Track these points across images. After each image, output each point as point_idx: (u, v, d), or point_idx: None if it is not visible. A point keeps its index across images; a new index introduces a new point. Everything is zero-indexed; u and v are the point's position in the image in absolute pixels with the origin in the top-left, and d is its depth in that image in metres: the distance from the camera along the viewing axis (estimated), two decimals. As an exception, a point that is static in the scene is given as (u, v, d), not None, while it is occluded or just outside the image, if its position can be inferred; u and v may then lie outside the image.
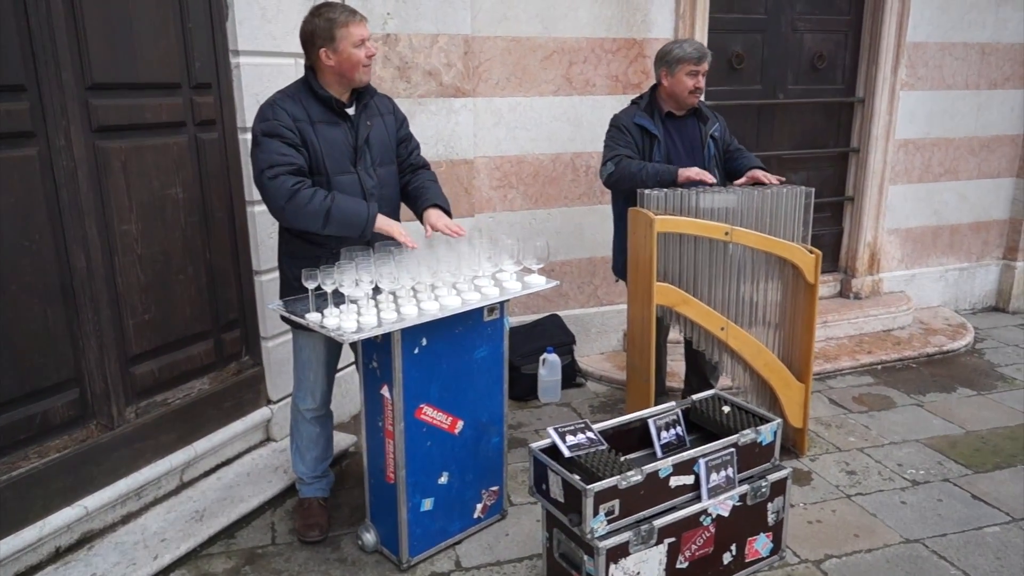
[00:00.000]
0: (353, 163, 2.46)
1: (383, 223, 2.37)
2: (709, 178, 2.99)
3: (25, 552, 2.33)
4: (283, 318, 2.42)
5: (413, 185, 2.66)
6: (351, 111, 2.47)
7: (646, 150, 3.16)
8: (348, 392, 3.47)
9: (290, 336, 3.19)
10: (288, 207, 2.29)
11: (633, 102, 3.29)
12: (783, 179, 3.09)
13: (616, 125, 3.21)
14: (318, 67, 2.40)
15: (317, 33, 2.35)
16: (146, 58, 2.61)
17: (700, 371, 3.49)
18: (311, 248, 2.44)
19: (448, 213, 2.61)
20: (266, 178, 2.30)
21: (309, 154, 2.38)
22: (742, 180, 3.11)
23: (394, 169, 2.62)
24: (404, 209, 2.71)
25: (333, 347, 2.59)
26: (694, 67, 3.04)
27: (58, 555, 2.44)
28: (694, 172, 2.98)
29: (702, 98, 3.24)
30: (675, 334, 3.31)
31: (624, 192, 3.12)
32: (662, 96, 3.17)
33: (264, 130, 2.33)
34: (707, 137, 3.19)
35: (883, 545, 2.65)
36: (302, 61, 3.07)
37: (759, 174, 3.07)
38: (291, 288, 2.50)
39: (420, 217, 2.60)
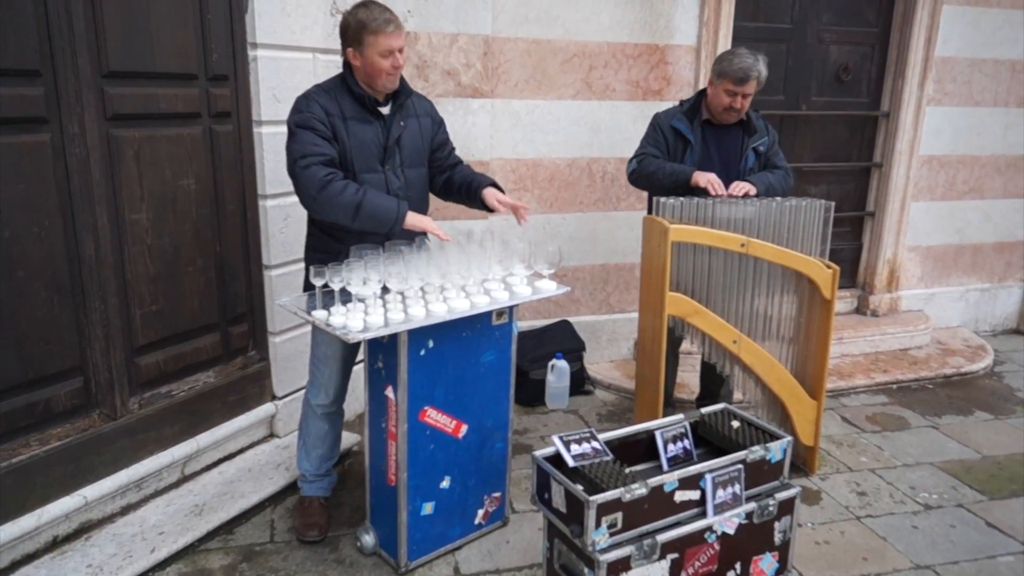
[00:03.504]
0: (381, 162, 2.46)
1: (414, 220, 2.35)
2: (720, 188, 2.91)
3: (22, 540, 2.33)
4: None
5: (457, 177, 2.67)
6: (386, 110, 2.46)
7: (679, 154, 3.10)
8: (354, 391, 3.42)
9: (297, 332, 3.19)
10: (320, 197, 2.29)
11: (681, 102, 3.23)
12: (751, 190, 2.95)
13: (653, 123, 3.17)
14: (351, 64, 2.41)
15: (349, 31, 2.35)
16: (163, 48, 2.60)
17: (710, 388, 3.44)
18: (334, 243, 2.43)
19: (502, 192, 2.63)
20: (299, 167, 2.30)
21: (338, 150, 2.39)
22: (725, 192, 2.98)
23: (424, 172, 2.60)
24: (439, 208, 2.72)
25: (351, 344, 2.56)
26: (733, 87, 2.93)
27: (55, 544, 2.43)
28: (709, 178, 2.91)
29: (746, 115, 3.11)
30: (687, 345, 3.26)
31: (650, 192, 3.08)
32: (706, 102, 3.11)
33: (298, 122, 2.35)
34: (748, 149, 3.10)
35: (892, 570, 2.59)
36: (320, 56, 3.09)
37: (733, 186, 2.95)
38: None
39: (479, 199, 2.59)
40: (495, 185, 2.63)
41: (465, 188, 2.64)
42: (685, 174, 2.96)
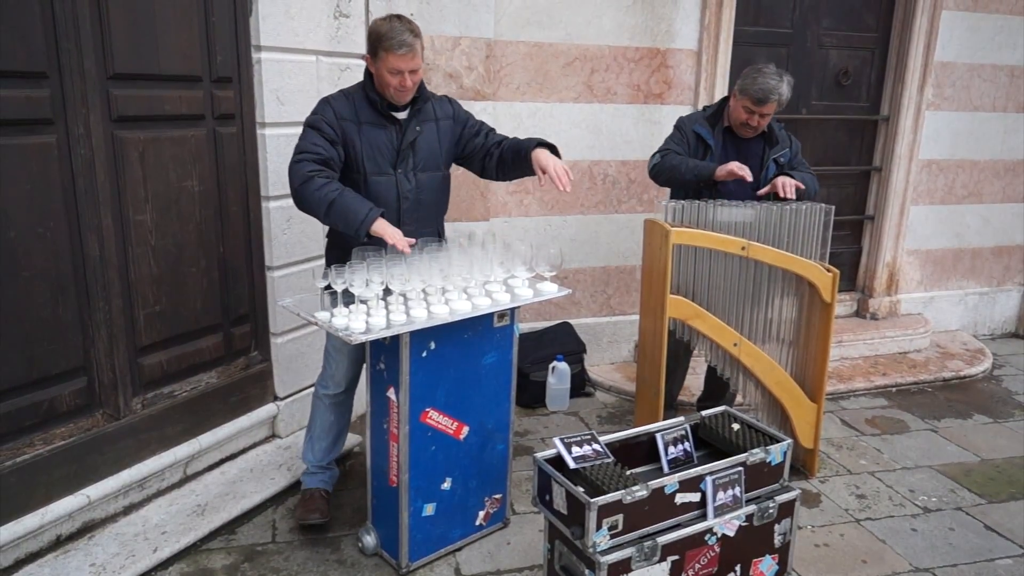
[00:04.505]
0: (393, 165, 2.50)
1: (380, 227, 2.31)
2: (748, 174, 2.89)
3: (26, 539, 2.34)
4: None
5: (507, 152, 2.61)
6: (403, 115, 2.51)
7: (699, 158, 3.11)
8: (356, 392, 3.45)
9: (299, 333, 3.21)
10: (300, 189, 2.36)
11: (704, 107, 3.26)
12: (800, 185, 2.98)
13: (677, 126, 3.20)
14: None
15: (370, 40, 2.41)
16: (168, 50, 2.61)
17: (715, 391, 3.45)
18: (350, 240, 2.45)
19: (557, 154, 2.53)
20: (293, 161, 2.40)
21: (350, 153, 2.44)
22: (765, 188, 3.02)
23: (439, 175, 2.63)
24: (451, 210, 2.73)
25: None
26: (752, 105, 2.95)
27: (59, 543, 2.44)
28: (734, 165, 2.89)
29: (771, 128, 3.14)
30: (696, 351, 3.26)
31: (671, 187, 3.13)
32: (727, 110, 3.12)
33: (308, 121, 2.45)
34: (769, 160, 3.11)
35: (891, 573, 2.60)
36: (323, 58, 3.11)
37: (777, 181, 2.97)
38: None
39: (529, 162, 2.52)
40: (545, 144, 2.54)
41: (515, 156, 2.58)
42: (708, 169, 2.96)
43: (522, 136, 3.77)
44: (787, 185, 2.95)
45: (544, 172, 2.46)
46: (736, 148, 3.12)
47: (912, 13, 4.39)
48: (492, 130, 2.73)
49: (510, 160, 2.62)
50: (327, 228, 2.66)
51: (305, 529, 2.68)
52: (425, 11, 3.46)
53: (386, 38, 2.33)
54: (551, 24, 3.77)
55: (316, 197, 2.32)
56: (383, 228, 2.32)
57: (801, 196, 3.01)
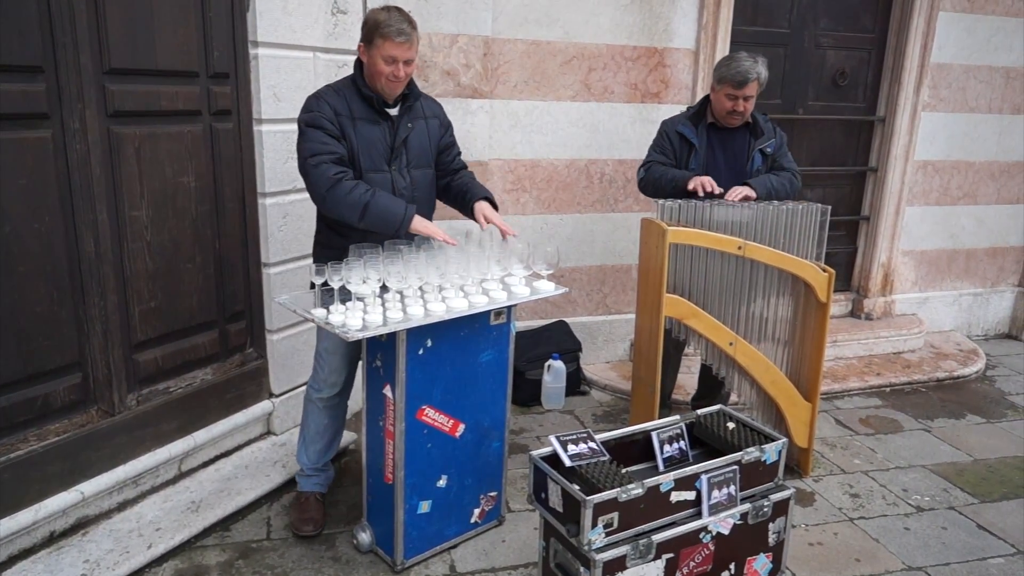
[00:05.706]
0: (388, 162, 2.50)
1: (421, 225, 2.38)
2: (711, 186, 2.93)
3: (19, 535, 2.33)
4: None
5: (456, 183, 2.69)
6: (394, 111, 2.50)
7: (684, 158, 3.14)
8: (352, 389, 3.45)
9: (295, 331, 3.21)
10: (328, 196, 2.34)
11: (687, 108, 3.28)
12: (751, 195, 2.97)
13: (660, 130, 3.22)
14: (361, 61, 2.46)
15: (366, 27, 2.40)
16: (165, 45, 2.60)
17: (709, 390, 3.45)
18: (341, 240, 2.45)
19: (495, 207, 2.65)
20: (310, 166, 2.36)
21: (346, 148, 2.43)
22: (721, 191, 2.99)
23: (430, 172, 2.64)
24: (439, 208, 2.76)
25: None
26: (733, 90, 2.97)
27: (52, 539, 2.44)
28: (700, 181, 2.95)
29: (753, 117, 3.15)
30: (691, 349, 3.27)
31: (659, 197, 3.12)
32: (710, 107, 3.14)
33: (307, 121, 2.40)
34: (754, 151, 3.13)
35: (884, 572, 2.61)
36: (320, 55, 3.10)
37: (732, 190, 2.97)
38: None
39: (470, 210, 2.63)
40: (489, 199, 2.65)
41: (460, 196, 2.68)
42: (685, 179, 3.00)
43: (519, 135, 3.83)
44: (736, 193, 2.96)
45: (488, 220, 2.56)
46: (721, 143, 3.14)
47: (909, 14, 4.40)
48: (459, 153, 2.77)
49: (455, 196, 2.70)
50: (315, 228, 2.64)
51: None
52: (423, 8, 3.45)
53: (384, 25, 2.33)
54: (549, 22, 3.76)
55: (348, 201, 2.32)
56: (424, 226, 2.38)
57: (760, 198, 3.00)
